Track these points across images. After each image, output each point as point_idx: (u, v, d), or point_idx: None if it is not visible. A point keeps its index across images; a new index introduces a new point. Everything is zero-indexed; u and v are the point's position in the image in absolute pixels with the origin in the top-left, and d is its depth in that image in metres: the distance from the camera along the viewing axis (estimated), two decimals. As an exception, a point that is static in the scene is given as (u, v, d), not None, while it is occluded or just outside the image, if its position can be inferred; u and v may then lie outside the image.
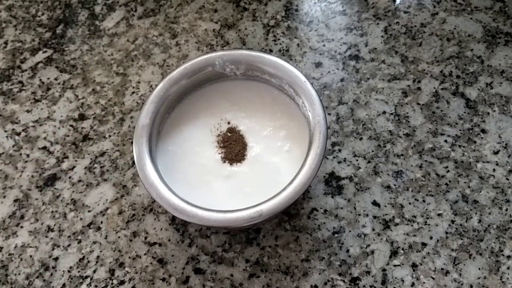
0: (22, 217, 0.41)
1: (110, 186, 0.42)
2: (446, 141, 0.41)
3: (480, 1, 0.47)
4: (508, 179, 0.39)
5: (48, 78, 0.48)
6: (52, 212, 0.41)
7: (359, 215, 0.38)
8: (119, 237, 0.39)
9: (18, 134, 0.45)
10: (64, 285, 0.38)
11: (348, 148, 0.41)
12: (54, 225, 0.40)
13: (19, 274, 0.39)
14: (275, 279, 0.36)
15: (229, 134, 0.39)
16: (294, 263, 0.37)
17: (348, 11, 0.49)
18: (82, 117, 0.46)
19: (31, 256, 0.39)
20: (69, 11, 0.53)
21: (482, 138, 0.41)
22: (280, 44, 0.47)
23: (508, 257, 0.36)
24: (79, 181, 0.42)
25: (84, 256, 0.39)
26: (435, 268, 0.36)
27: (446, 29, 0.46)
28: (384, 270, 0.36)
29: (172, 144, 0.39)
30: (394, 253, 0.37)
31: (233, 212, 0.33)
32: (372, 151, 0.41)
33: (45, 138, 0.45)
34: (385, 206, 0.38)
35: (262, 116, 0.39)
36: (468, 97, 0.43)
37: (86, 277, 0.38)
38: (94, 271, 0.38)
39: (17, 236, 0.40)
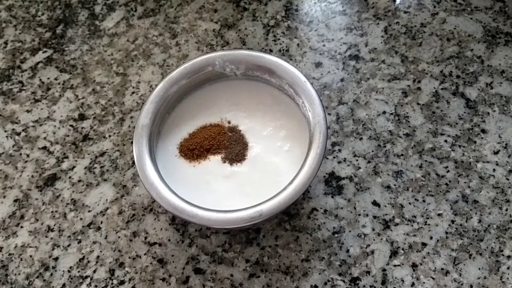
0: (22, 217, 0.41)
1: (110, 186, 0.42)
2: (446, 141, 0.41)
3: (480, 1, 0.47)
4: (508, 179, 0.39)
5: (48, 78, 0.48)
6: (52, 212, 0.41)
7: (359, 215, 0.38)
8: (119, 237, 0.39)
9: (18, 134, 0.45)
10: (64, 285, 0.38)
11: (348, 148, 0.41)
12: (54, 225, 0.40)
13: (19, 274, 0.39)
14: (275, 279, 0.36)
15: (229, 134, 0.39)
16: (294, 263, 0.37)
17: (348, 11, 0.49)
18: (82, 117, 0.46)
19: (31, 256, 0.39)
20: (69, 11, 0.53)
21: (482, 138, 0.41)
22: (280, 44, 0.47)
23: (508, 257, 0.36)
24: (79, 181, 0.42)
25: (84, 256, 0.39)
26: (435, 268, 0.36)
27: (446, 29, 0.46)
28: (384, 270, 0.36)
29: (172, 144, 0.39)
30: (394, 253, 0.37)
31: (233, 212, 0.33)
32: (372, 151, 0.41)
33: (45, 138, 0.45)
34: (385, 206, 0.38)
35: (262, 116, 0.39)
36: (468, 97, 0.43)
37: (86, 277, 0.38)
38: (94, 271, 0.38)
39: (17, 236, 0.40)
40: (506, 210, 0.37)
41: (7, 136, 0.45)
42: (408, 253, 0.37)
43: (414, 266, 0.36)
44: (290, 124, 0.39)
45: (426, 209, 0.38)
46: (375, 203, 0.39)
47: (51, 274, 0.38)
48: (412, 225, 0.38)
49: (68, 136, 0.45)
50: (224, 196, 0.36)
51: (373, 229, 0.38)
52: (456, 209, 0.38)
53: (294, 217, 0.39)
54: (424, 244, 0.37)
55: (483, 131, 0.41)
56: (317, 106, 0.36)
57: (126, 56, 0.49)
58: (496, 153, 0.40)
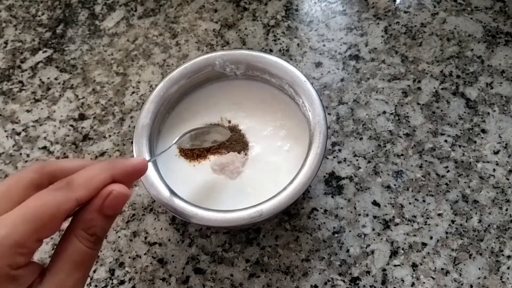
0: (22, 217, 0.41)
1: (110, 186, 0.42)
2: (446, 141, 0.41)
3: (480, 1, 0.47)
4: (508, 179, 0.39)
5: (48, 78, 0.48)
6: (52, 212, 0.41)
7: (359, 215, 0.38)
8: (119, 237, 0.39)
9: (18, 134, 0.45)
10: (64, 285, 0.38)
11: (348, 148, 0.41)
12: (54, 225, 0.40)
13: (19, 274, 0.39)
14: (275, 279, 0.36)
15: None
16: (294, 263, 0.37)
17: (348, 11, 0.49)
18: (82, 117, 0.46)
19: (31, 256, 0.39)
20: (69, 11, 0.53)
21: (482, 138, 0.41)
22: (280, 44, 0.47)
23: (508, 257, 0.36)
24: (79, 181, 0.42)
25: (84, 256, 0.39)
26: (435, 268, 0.36)
27: (446, 29, 0.46)
28: (384, 270, 0.36)
29: (172, 144, 0.39)
30: (394, 253, 0.37)
31: (233, 212, 0.33)
32: (372, 151, 0.41)
33: (45, 138, 0.45)
34: (385, 206, 0.38)
35: (262, 115, 0.39)
36: (468, 97, 0.43)
37: (86, 277, 0.38)
38: (94, 271, 0.38)
39: (17, 236, 0.40)
40: (506, 210, 0.37)
41: (7, 136, 0.45)
42: (408, 253, 0.37)
43: (414, 266, 0.36)
44: (290, 124, 0.39)
45: (426, 209, 0.38)
46: (375, 203, 0.39)
47: (51, 274, 0.38)
48: (412, 225, 0.38)
49: (68, 136, 0.45)
50: (224, 196, 0.36)
51: (373, 229, 0.38)
52: (456, 209, 0.38)
53: (294, 217, 0.39)
54: (424, 244, 0.37)
55: (483, 131, 0.41)
56: (317, 106, 0.36)
57: (126, 56, 0.49)
58: (496, 153, 0.40)
